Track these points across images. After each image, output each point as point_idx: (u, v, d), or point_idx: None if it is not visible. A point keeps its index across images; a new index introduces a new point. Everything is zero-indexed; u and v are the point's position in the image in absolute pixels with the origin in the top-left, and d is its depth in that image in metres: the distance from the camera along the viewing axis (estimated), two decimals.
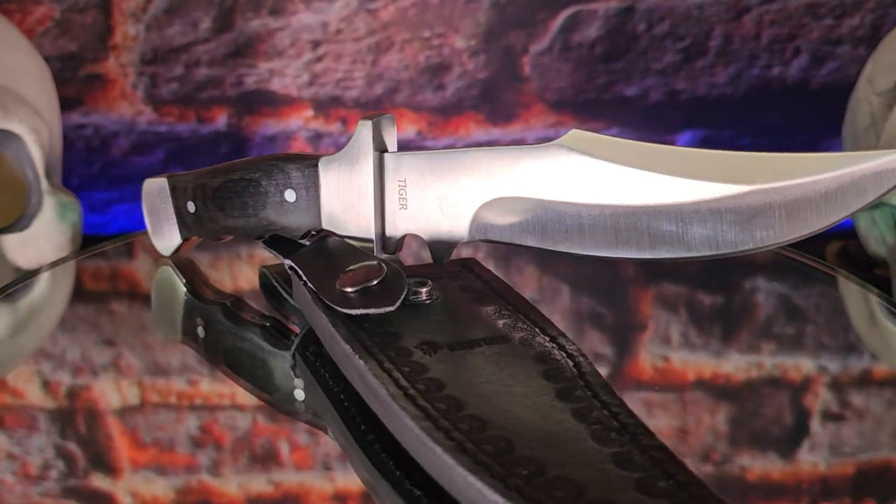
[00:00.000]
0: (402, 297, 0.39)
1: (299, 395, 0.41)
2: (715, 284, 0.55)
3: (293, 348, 0.44)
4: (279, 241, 0.46)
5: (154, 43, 0.78)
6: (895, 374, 0.48)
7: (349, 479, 0.36)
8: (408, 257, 0.46)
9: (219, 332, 0.48)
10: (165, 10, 0.77)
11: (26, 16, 0.76)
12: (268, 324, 0.47)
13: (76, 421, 0.43)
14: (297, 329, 0.46)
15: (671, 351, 0.47)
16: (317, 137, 0.81)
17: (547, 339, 0.37)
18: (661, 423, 0.41)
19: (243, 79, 0.79)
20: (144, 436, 0.41)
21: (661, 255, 0.36)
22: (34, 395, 0.44)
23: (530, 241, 0.39)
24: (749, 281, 0.56)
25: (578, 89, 0.80)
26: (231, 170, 0.47)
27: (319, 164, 0.44)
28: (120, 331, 0.52)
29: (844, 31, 0.80)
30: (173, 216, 0.50)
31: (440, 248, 0.42)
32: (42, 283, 0.55)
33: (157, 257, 0.53)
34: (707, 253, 0.36)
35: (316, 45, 0.79)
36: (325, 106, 0.80)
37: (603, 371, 0.38)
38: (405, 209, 0.42)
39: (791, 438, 0.41)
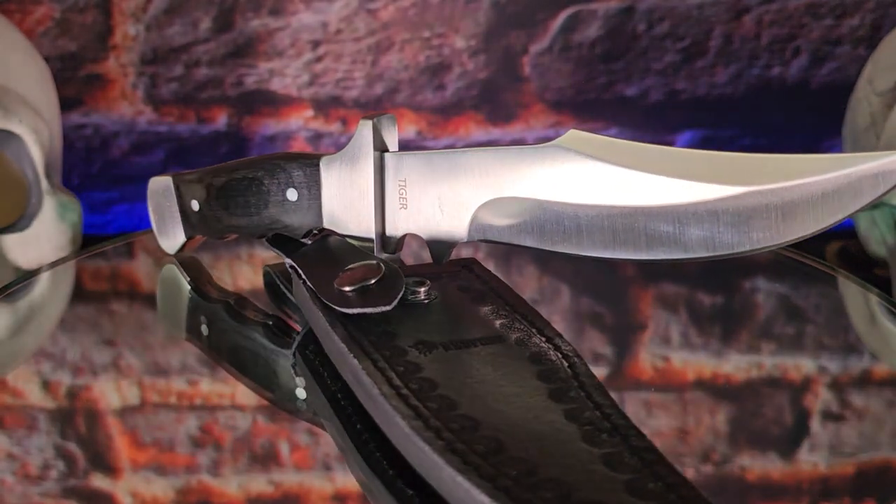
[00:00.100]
0: (399, 296, 0.39)
1: (301, 393, 0.42)
2: (715, 284, 0.55)
3: (294, 347, 0.44)
4: (282, 240, 0.46)
5: (154, 43, 0.78)
6: (895, 374, 0.48)
7: (349, 480, 0.36)
8: (408, 257, 0.46)
9: (222, 330, 0.48)
10: (165, 10, 0.77)
11: (26, 16, 0.76)
12: (271, 322, 0.48)
13: (76, 421, 0.43)
14: (299, 328, 0.46)
15: (671, 351, 0.47)
16: (317, 137, 0.81)
17: (543, 339, 0.37)
18: (661, 423, 0.42)
19: (243, 79, 0.79)
20: (144, 436, 0.41)
21: (657, 256, 0.36)
22: (34, 395, 0.44)
23: (529, 242, 0.39)
24: (749, 281, 0.56)
25: (578, 89, 0.80)
26: (234, 169, 0.47)
27: (321, 164, 0.44)
28: (120, 331, 0.52)
29: (844, 31, 0.80)
30: (178, 215, 0.50)
31: (439, 248, 0.42)
32: (42, 283, 0.55)
33: (161, 256, 0.53)
34: (704, 254, 0.36)
35: (316, 45, 0.79)
36: (325, 106, 0.80)
37: (603, 371, 0.38)
38: (405, 209, 0.42)
39: (791, 438, 0.41)
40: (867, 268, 0.66)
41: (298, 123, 0.80)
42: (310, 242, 0.45)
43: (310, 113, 0.80)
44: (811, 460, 0.40)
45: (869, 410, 0.44)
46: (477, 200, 0.40)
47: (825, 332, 0.51)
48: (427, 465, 0.31)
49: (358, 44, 0.79)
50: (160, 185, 0.51)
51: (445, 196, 0.41)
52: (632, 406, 0.43)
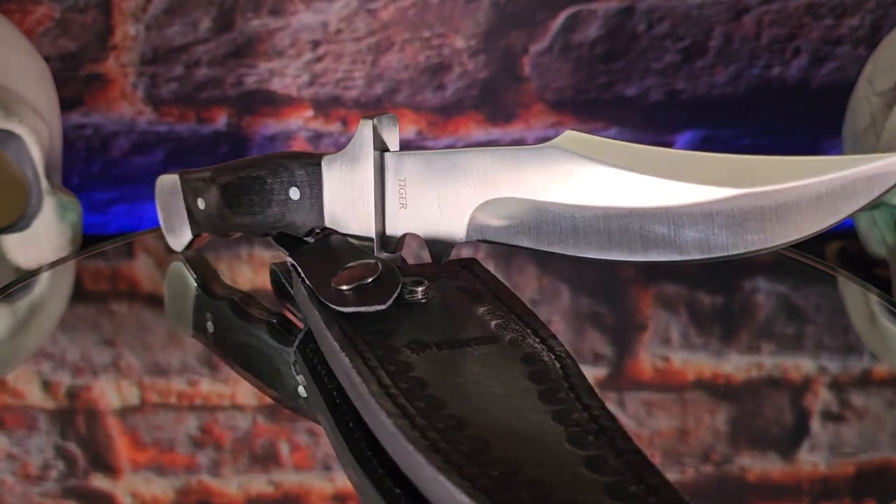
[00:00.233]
0: (394, 296, 0.39)
1: (302, 392, 0.42)
2: (715, 285, 0.56)
3: (295, 345, 0.45)
4: (287, 239, 0.47)
5: (154, 43, 0.78)
6: (895, 374, 0.48)
7: (348, 479, 0.36)
8: (408, 257, 0.46)
9: (228, 327, 0.49)
10: (165, 10, 0.77)
11: (26, 16, 0.76)
12: (275, 321, 0.48)
13: (76, 421, 0.43)
14: (302, 326, 0.46)
15: (671, 351, 0.47)
16: (317, 137, 0.81)
17: (537, 340, 0.37)
18: (661, 423, 0.42)
19: (243, 79, 0.79)
20: (144, 436, 0.41)
21: (653, 258, 0.36)
22: (34, 395, 0.44)
23: (526, 243, 0.39)
24: (749, 281, 0.56)
25: (578, 89, 0.80)
26: (238, 167, 0.48)
27: (322, 163, 0.44)
28: (120, 331, 0.52)
29: (844, 31, 0.80)
30: (184, 213, 0.51)
31: (438, 248, 0.42)
32: (42, 283, 0.55)
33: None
34: (699, 256, 0.35)
35: (316, 45, 0.79)
36: (325, 106, 0.80)
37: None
38: (405, 208, 0.42)
39: (791, 438, 0.41)
40: (867, 268, 0.66)
41: (298, 123, 0.80)
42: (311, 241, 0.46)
43: (310, 113, 0.80)
44: (811, 460, 0.40)
45: (869, 410, 0.44)
46: (474, 201, 0.40)
47: (825, 332, 0.51)
48: (411, 463, 0.31)
49: (358, 44, 0.79)
50: (167, 184, 0.52)
51: (444, 196, 0.41)
52: (631, 406, 0.43)
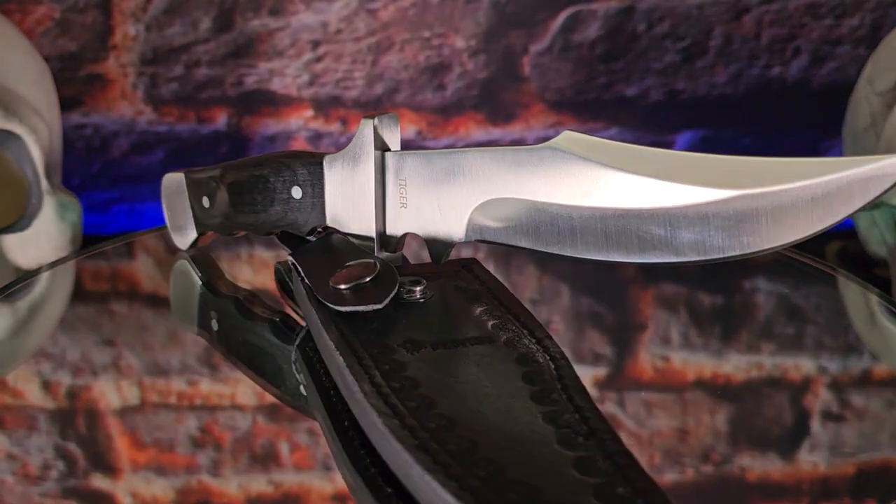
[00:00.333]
0: (391, 295, 0.39)
1: (304, 391, 0.42)
2: (715, 285, 0.56)
3: (295, 344, 0.45)
4: (290, 237, 0.47)
5: (154, 43, 0.78)
6: (895, 374, 0.48)
7: (343, 479, 0.36)
8: (408, 257, 0.46)
9: (231, 325, 0.49)
10: (165, 10, 0.77)
11: (26, 16, 0.76)
12: (278, 319, 0.48)
13: (76, 421, 0.43)
14: (304, 324, 0.46)
15: (671, 351, 0.47)
16: (317, 137, 0.81)
17: (533, 341, 0.37)
18: (661, 423, 0.42)
19: (243, 79, 0.79)
20: (144, 436, 0.41)
21: (650, 259, 0.36)
22: (34, 395, 0.44)
23: (524, 243, 0.39)
24: (749, 281, 0.56)
25: (578, 89, 0.80)
26: (242, 166, 0.48)
27: (324, 162, 0.45)
28: (120, 331, 0.52)
29: (844, 31, 0.80)
30: (189, 211, 0.51)
31: (438, 247, 0.42)
32: (42, 283, 0.55)
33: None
34: (695, 258, 0.35)
35: (316, 45, 0.79)
36: (325, 106, 0.80)
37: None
38: (405, 208, 0.42)
39: (791, 438, 0.41)
40: (867, 268, 0.66)
41: (298, 123, 0.80)
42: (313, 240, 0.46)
43: (310, 113, 0.80)
44: (811, 460, 0.40)
45: (869, 410, 0.44)
46: (473, 201, 0.40)
47: (825, 332, 0.51)
48: (399, 463, 0.31)
49: (358, 44, 0.79)
50: (173, 182, 0.52)
51: (444, 196, 0.41)
52: (631, 406, 0.43)
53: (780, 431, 0.42)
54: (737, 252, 0.35)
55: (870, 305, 0.52)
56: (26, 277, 0.55)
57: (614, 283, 0.56)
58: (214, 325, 0.49)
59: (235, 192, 0.48)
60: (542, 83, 0.80)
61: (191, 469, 0.38)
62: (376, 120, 0.42)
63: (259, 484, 0.37)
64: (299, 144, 0.81)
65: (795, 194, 0.33)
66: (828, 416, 0.43)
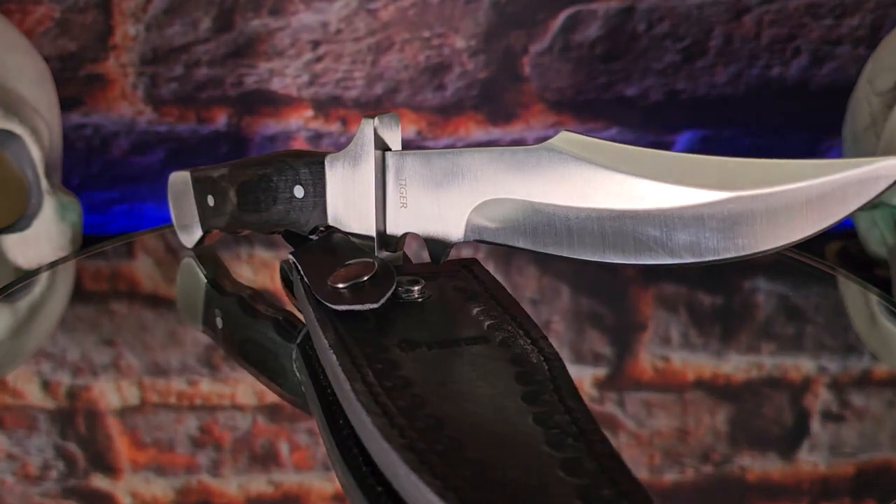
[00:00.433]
0: (388, 295, 0.39)
1: (303, 389, 0.42)
2: (715, 285, 0.56)
3: (296, 342, 0.45)
4: (294, 237, 0.47)
5: (154, 43, 0.78)
6: (895, 374, 0.48)
7: (336, 477, 0.36)
8: (409, 256, 0.46)
9: (235, 323, 0.49)
10: (165, 10, 0.77)
11: (26, 16, 0.76)
12: (281, 318, 0.48)
13: (76, 421, 0.43)
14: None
15: (671, 351, 0.47)
16: (317, 137, 0.81)
17: (528, 341, 0.37)
18: (660, 423, 0.42)
19: (243, 79, 0.79)
20: (144, 436, 0.41)
21: (646, 260, 0.36)
22: (34, 395, 0.44)
23: (522, 243, 0.39)
24: (749, 281, 0.56)
25: (578, 89, 0.80)
26: (246, 165, 0.48)
27: (326, 162, 0.45)
28: (120, 331, 0.52)
29: (844, 31, 0.80)
30: (195, 209, 0.52)
31: (437, 247, 0.42)
32: (42, 283, 0.55)
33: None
34: (690, 259, 0.35)
35: (316, 45, 0.79)
36: (325, 106, 0.80)
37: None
38: (405, 208, 0.42)
39: (791, 438, 0.41)
40: (867, 268, 0.66)
41: (298, 123, 0.80)
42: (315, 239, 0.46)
43: (310, 113, 0.80)
44: (811, 460, 0.40)
45: (869, 410, 0.44)
46: (471, 201, 0.40)
47: (825, 332, 0.51)
48: (387, 462, 0.31)
49: (358, 44, 0.79)
50: (179, 180, 0.52)
51: (443, 196, 0.41)
52: (630, 407, 0.43)
53: (780, 431, 0.42)
54: (732, 254, 0.35)
55: (870, 305, 0.52)
56: (26, 277, 0.55)
57: (614, 283, 0.56)
58: (219, 322, 0.50)
59: (240, 191, 0.48)
60: (542, 83, 0.80)
61: (191, 469, 0.38)
62: (377, 120, 0.42)
63: (259, 484, 0.37)
64: (299, 144, 0.81)
65: (790, 196, 0.33)
66: (828, 416, 0.43)
